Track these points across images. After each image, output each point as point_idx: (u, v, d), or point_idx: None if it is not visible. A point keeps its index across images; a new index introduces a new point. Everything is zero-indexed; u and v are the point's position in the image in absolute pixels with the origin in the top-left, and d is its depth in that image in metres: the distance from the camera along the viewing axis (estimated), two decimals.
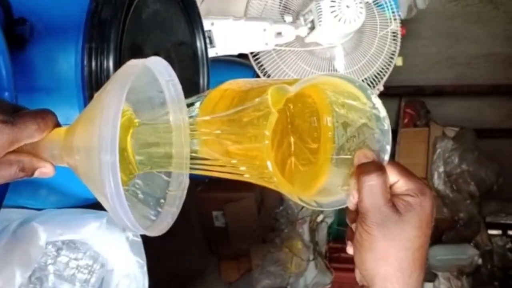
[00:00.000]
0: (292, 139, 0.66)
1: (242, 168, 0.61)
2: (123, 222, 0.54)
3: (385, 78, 1.88)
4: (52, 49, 1.05)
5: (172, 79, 0.62)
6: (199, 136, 0.63)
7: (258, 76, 1.79)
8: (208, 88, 1.37)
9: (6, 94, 0.91)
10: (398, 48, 1.84)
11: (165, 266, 2.53)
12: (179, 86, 0.63)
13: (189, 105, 0.66)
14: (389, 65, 1.87)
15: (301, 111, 0.67)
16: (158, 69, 0.61)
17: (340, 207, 0.67)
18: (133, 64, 0.56)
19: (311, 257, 2.89)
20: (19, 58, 1.05)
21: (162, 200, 0.64)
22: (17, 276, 1.13)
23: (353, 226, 0.67)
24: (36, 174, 0.61)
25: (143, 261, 1.38)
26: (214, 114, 0.64)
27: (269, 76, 1.78)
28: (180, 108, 0.63)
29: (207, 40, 1.48)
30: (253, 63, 1.82)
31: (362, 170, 0.65)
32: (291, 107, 0.66)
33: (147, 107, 0.64)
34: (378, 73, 1.86)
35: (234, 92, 0.66)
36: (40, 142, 0.60)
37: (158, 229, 0.60)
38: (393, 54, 1.87)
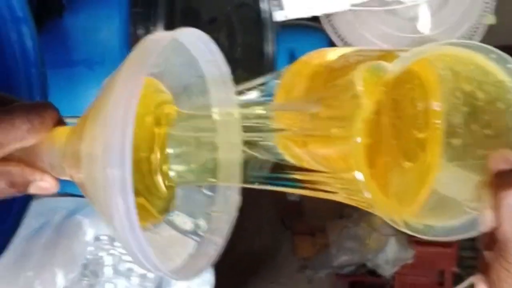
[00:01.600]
0: (386, 130, 0.48)
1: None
2: (141, 263, 0.39)
3: (476, 40, 1.68)
4: (93, 17, 0.96)
5: (216, 58, 0.46)
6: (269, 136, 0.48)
7: (332, 43, 1.62)
8: (274, 57, 1.22)
9: (33, 70, 0.79)
10: (494, 3, 1.63)
11: (237, 245, 2.44)
12: (225, 68, 0.46)
13: (259, 86, 0.50)
14: (479, 24, 1.66)
15: (400, 87, 0.49)
16: (195, 45, 0.44)
17: (464, 236, 0.47)
18: (156, 39, 0.40)
19: (391, 232, 2.72)
20: (56, 28, 0.96)
21: (201, 223, 0.47)
22: (58, 278, 1.01)
23: (487, 254, 0.48)
24: (32, 190, 0.46)
25: None
26: (286, 102, 0.49)
27: (344, 41, 1.61)
28: (227, 98, 0.46)
29: (274, 2, 1.34)
30: (327, 27, 1.63)
31: (502, 181, 0.45)
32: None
33: (182, 98, 0.48)
34: (465, 35, 1.66)
35: (316, 68, 0.50)
36: (36, 147, 0.45)
37: (193, 270, 0.44)
38: (485, 11, 1.66)
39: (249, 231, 2.57)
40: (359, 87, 0.40)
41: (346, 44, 1.62)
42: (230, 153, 0.46)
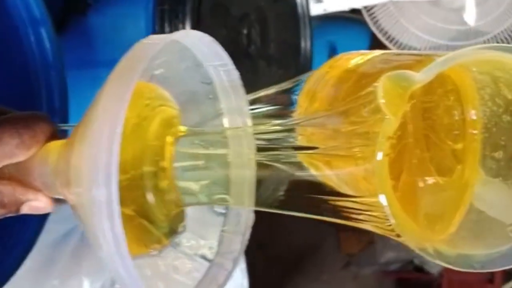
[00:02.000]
0: (416, 143, 0.43)
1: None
2: None
3: None
4: (118, 15, 0.94)
5: (225, 62, 0.41)
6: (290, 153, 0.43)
7: (374, 36, 1.57)
8: (311, 53, 1.17)
9: (52, 72, 0.76)
10: None
11: (279, 241, 2.43)
12: (235, 74, 0.42)
13: (285, 92, 0.45)
14: None
15: (431, 93, 0.44)
16: (200, 48, 0.40)
17: (510, 266, 0.42)
18: (150, 42, 0.35)
19: None
20: (81, 27, 0.94)
21: (212, 245, 0.43)
22: (85, 286, 0.97)
23: None
24: (25, 210, 0.42)
25: (241, 258, 1.20)
26: (308, 113, 0.44)
27: (387, 34, 1.56)
28: (238, 108, 0.42)
29: None
30: (368, 19, 1.58)
31: None
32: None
33: (190, 106, 0.43)
34: None
35: (341, 74, 0.45)
36: (28, 163, 0.41)
37: None
38: None
39: (291, 227, 2.51)
40: (381, 100, 0.36)
41: (388, 37, 1.57)
42: (243, 169, 0.41)
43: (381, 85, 0.36)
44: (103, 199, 0.32)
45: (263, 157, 0.42)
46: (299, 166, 0.42)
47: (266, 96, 0.46)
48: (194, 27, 0.88)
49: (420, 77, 0.36)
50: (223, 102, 0.43)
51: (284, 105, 0.45)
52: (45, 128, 0.41)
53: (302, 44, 1.19)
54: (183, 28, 0.87)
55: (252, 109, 0.44)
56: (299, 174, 0.42)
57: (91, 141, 0.33)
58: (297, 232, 2.59)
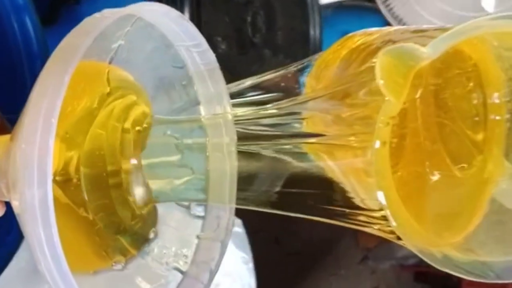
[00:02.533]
0: (426, 131, 0.37)
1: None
2: None
3: None
4: (112, 3, 0.84)
5: (198, 42, 0.36)
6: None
7: (389, 24, 1.52)
8: (320, 41, 1.12)
9: (38, 62, 0.72)
10: None
11: (296, 235, 2.40)
12: (211, 56, 0.36)
13: (292, 74, 0.40)
14: None
15: (446, 72, 0.38)
16: (167, 26, 0.35)
17: None
18: (99, 17, 0.30)
19: None
20: (73, 16, 0.90)
21: (187, 254, 0.37)
22: None
23: None
24: None
25: (248, 257, 1.17)
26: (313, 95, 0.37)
27: (402, 22, 1.51)
28: (217, 94, 0.36)
29: None
30: (382, 7, 1.53)
31: None
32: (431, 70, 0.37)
33: (159, 93, 0.38)
34: None
35: (349, 53, 0.39)
36: None
37: None
38: None
39: (308, 222, 2.46)
40: (379, 80, 0.30)
41: (403, 25, 1.52)
42: (222, 164, 0.36)
43: (379, 62, 0.30)
44: (36, 203, 0.26)
45: (261, 146, 0.37)
46: (303, 157, 0.37)
47: (271, 80, 0.40)
48: (194, 14, 0.83)
49: (428, 52, 0.30)
50: (199, 88, 0.37)
51: (291, 89, 0.40)
52: None
53: (311, 32, 1.14)
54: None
55: (255, 95, 0.39)
56: (301, 166, 0.37)
57: (24, 135, 0.28)
58: (314, 226, 2.54)
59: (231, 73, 0.72)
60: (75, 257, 0.33)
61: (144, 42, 0.35)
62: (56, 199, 0.32)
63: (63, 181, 0.35)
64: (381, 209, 0.32)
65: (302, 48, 1.12)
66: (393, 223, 0.31)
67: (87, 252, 0.31)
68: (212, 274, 0.38)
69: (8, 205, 0.37)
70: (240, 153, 0.37)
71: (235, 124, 0.37)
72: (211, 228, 0.38)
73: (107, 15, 0.30)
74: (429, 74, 0.36)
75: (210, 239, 0.38)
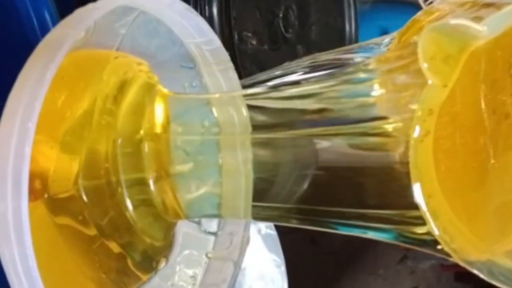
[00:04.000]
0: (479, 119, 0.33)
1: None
2: None
3: None
4: None
5: (210, 39, 0.32)
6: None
7: None
8: (356, 37, 1.09)
9: None
10: None
11: (331, 235, 2.36)
12: (224, 54, 0.33)
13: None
14: None
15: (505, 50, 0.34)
16: (173, 20, 0.31)
17: None
18: (90, 8, 0.27)
19: None
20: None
21: (192, 273, 0.34)
22: None
23: None
24: None
25: (280, 260, 1.13)
26: None
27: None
28: (231, 98, 0.33)
29: None
30: (421, 1, 1.49)
31: None
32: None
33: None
34: None
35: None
36: None
37: None
38: None
39: None
40: (422, 64, 0.26)
41: None
42: (236, 175, 0.32)
43: (422, 42, 0.26)
44: (10, 217, 0.23)
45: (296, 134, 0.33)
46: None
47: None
48: (223, 9, 0.79)
49: (483, 30, 0.26)
50: (211, 89, 0.34)
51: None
52: None
53: (347, 28, 1.11)
54: (209, 10, 0.78)
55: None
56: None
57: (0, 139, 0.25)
58: None
59: (262, 69, 0.68)
60: (62, 280, 0.30)
61: (147, 38, 0.32)
62: (44, 215, 0.29)
63: (61, 192, 0.31)
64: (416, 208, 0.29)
65: (337, 44, 1.08)
66: (431, 221, 0.28)
67: (83, 277, 0.28)
68: None
69: None
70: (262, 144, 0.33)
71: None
72: (223, 245, 0.35)
73: (99, 6, 0.27)
74: (483, 55, 0.32)
75: (222, 259, 0.35)
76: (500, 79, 0.33)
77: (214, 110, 0.32)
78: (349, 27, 1.10)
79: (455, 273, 2.73)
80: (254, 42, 0.98)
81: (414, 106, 0.28)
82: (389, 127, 0.30)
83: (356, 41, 1.09)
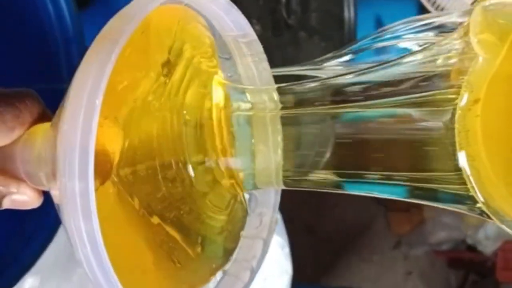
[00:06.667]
0: None
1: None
2: None
3: None
4: None
5: (246, 32, 0.34)
6: None
7: (423, 9, 1.49)
8: (355, 24, 1.10)
9: (73, 47, 0.71)
10: None
11: (327, 222, 2.40)
12: (258, 46, 0.35)
13: None
14: None
15: None
16: (212, 12, 0.33)
17: None
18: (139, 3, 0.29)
19: None
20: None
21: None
22: None
23: None
24: (6, 205, 0.36)
25: (284, 241, 1.14)
26: None
27: (435, 4, 1.48)
28: (265, 90, 0.35)
29: None
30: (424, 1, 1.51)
31: None
32: None
33: None
34: None
35: None
36: (10, 149, 0.34)
37: None
38: None
39: (340, 208, 2.49)
40: (472, 38, 0.28)
41: (437, 7, 1.49)
42: (267, 149, 0.34)
43: (474, 17, 0.28)
44: (77, 194, 0.26)
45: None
46: None
47: None
48: None
49: None
50: (245, 80, 0.36)
51: None
52: (32, 107, 0.34)
53: (346, 15, 1.11)
54: None
55: None
56: None
57: (66, 119, 0.27)
58: (346, 214, 2.56)
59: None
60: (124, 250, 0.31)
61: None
62: (110, 194, 0.31)
63: (126, 174, 0.33)
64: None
65: (337, 30, 1.10)
66: (474, 182, 0.29)
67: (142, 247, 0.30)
68: (253, 273, 0.37)
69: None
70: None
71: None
72: (253, 225, 0.37)
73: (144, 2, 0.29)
74: None
75: (252, 237, 0.37)
76: None
77: (248, 96, 0.34)
78: (348, 14, 1.11)
79: (448, 259, 2.76)
80: (258, 28, 1.00)
81: (463, 77, 0.28)
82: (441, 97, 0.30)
83: (355, 28, 1.10)
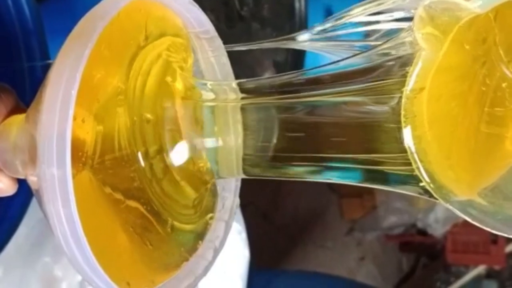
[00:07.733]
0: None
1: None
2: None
3: None
4: None
5: (207, 28, 0.36)
6: None
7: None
8: (306, 14, 1.11)
9: (33, 39, 0.72)
10: None
11: (282, 209, 2.41)
12: (218, 41, 0.37)
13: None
14: None
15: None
16: (175, 9, 0.35)
17: None
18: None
19: None
20: None
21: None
22: None
23: None
24: None
25: (241, 227, 1.16)
26: None
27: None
28: (226, 84, 0.37)
29: None
30: None
31: None
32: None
33: None
34: None
35: None
36: None
37: None
38: None
39: (294, 195, 2.52)
40: (417, 33, 0.30)
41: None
42: (227, 134, 0.36)
43: (419, 13, 0.30)
44: (55, 176, 0.27)
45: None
46: None
47: None
48: None
49: (474, 6, 0.29)
50: (207, 75, 0.38)
51: None
52: (6, 100, 0.36)
53: (297, 5, 1.13)
54: None
55: None
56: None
57: (44, 108, 0.29)
58: (300, 201, 2.59)
59: None
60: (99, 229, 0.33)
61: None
62: (85, 181, 0.33)
63: (98, 163, 0.34)
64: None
65: (288, 21, 1.11)
66: (418, 161, 0.31)
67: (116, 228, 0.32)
68: (217, 252, 0.39)
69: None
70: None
71: None
72: (217, 208, 0.40)
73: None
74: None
75: (216, 219, 0.39)
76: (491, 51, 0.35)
77: (210, 87, 0.36)
78: (299, 4, 1.13)
79: (400, 243, 2.80)
80: (212, 19, 1.00)
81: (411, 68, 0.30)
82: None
83: (306, 18, 1.11)
